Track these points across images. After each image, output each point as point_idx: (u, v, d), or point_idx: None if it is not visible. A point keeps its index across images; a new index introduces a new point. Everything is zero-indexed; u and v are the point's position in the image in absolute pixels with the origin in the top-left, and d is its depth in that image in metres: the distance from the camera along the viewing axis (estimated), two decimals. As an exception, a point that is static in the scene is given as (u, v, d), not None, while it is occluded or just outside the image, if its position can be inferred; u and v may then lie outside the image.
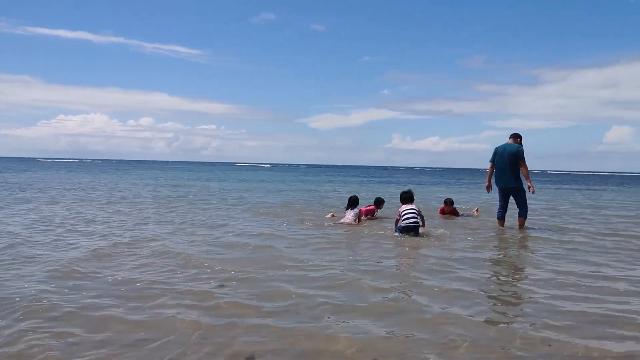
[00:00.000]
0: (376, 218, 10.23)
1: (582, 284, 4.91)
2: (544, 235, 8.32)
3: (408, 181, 36.91)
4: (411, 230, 7.78)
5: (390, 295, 4.41)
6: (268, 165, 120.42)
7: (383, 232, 8.31)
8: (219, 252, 6.33)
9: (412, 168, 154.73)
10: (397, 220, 8.02)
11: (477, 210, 11.85)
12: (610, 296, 4.49)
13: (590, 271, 5.52)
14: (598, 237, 8.27)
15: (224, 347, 3.16)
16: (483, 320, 3.79)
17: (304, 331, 3.45)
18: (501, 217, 9.12)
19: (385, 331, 3.48)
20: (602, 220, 11.19)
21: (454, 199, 11.59)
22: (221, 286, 4.59)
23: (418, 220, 7.85)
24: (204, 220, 9.58)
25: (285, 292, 4.39)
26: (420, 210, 8.14)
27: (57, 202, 12.59)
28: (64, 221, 8.98)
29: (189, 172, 47.15)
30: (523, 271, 5.72)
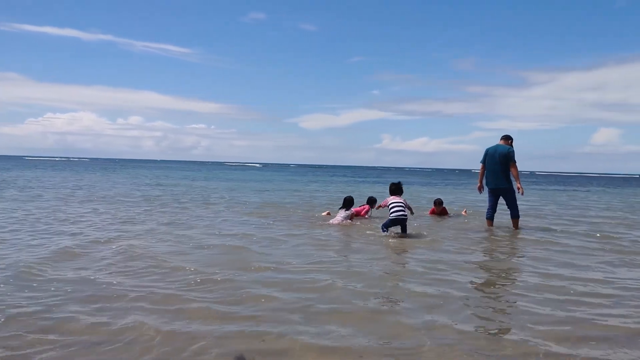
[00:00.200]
0: (369, 218, 10.14)
1: (571, 287, 4.72)
2: (532, 237, 8.17)
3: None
4: (399, 222, 7.88)
5: (371, 300, 4.17)
6: (259, 165, 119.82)
7: (371, 232, 8.16)
8: (190, 253, 6.05)
9: (402, 168, 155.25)
10: (382, 206, 8.37)
11: (465, 210, 11.95)
12: (599, 299, 4.31)
13: (577, 274, 5.36)
14: (585, 238, 8.13)
15: (181, 352, 2.96)
16: (470, 326, 3.57)
17: (270, 337, 3.21)
18: (490, 217, 9.15)
19: (364, 339, 3.24)
20: (589, 221, 11.11)
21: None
22: (188, 289, 4.33)
23: (406, 213, 7.93)
24: (180, 220, 9.26)
25: (255, 296, 4.13)
26: (407, 201, 8.14)
27: (35, 201, 12.20)
28: (36, 221, 8.63)
29: (177, 171, 46.60)
30: (510, 275, 5.51)
